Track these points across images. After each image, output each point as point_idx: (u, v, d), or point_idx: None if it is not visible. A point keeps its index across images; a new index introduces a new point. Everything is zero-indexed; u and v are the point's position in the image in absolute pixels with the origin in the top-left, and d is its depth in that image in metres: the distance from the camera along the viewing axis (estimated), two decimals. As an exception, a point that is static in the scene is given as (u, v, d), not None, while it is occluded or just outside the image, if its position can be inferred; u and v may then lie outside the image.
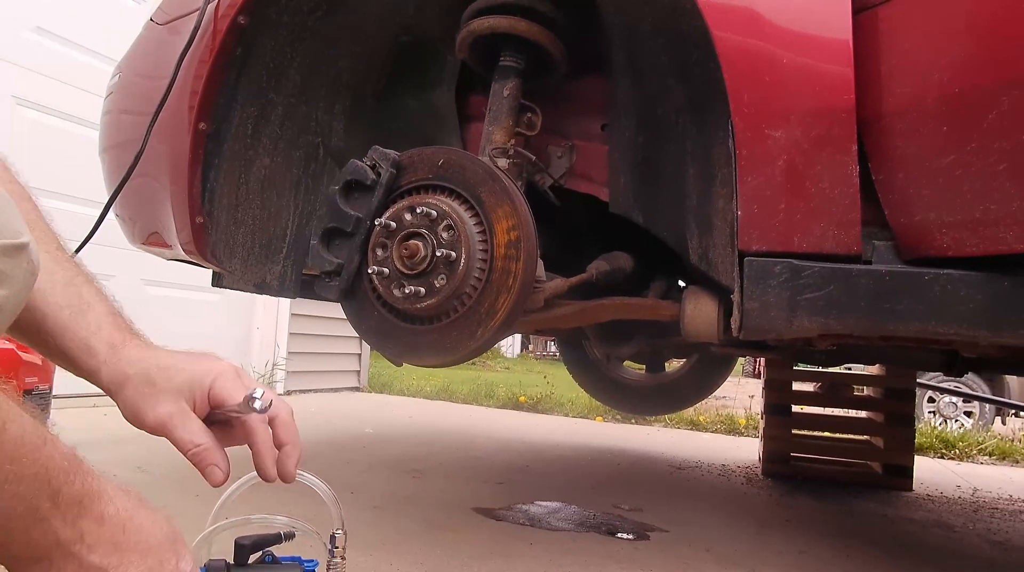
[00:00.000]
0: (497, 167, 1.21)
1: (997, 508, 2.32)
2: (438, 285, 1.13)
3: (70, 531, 0.45)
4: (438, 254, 1.13)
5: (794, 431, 2.61)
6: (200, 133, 1.34)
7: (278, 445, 0.63)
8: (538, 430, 3.48)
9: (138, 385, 0.60)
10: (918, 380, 2.71)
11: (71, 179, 3.03)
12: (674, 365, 2.90)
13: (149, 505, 0.54)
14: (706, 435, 3.82)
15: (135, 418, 0.61)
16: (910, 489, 2.48)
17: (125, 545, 0.48)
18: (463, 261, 1.12)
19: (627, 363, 2.96)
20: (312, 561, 0.66)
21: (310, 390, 4.49)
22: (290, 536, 0.67)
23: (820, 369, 2.79)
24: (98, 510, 0.47)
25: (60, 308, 0.60)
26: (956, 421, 5.77)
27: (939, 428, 4.05)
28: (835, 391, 2.75)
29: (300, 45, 1.43)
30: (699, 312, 1.30)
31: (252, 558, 0.64)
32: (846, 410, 2.87)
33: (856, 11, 1.04)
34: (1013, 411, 5.70)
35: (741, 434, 3.87)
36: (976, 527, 2.01)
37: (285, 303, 4.26)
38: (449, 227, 1.13)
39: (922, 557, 1.66)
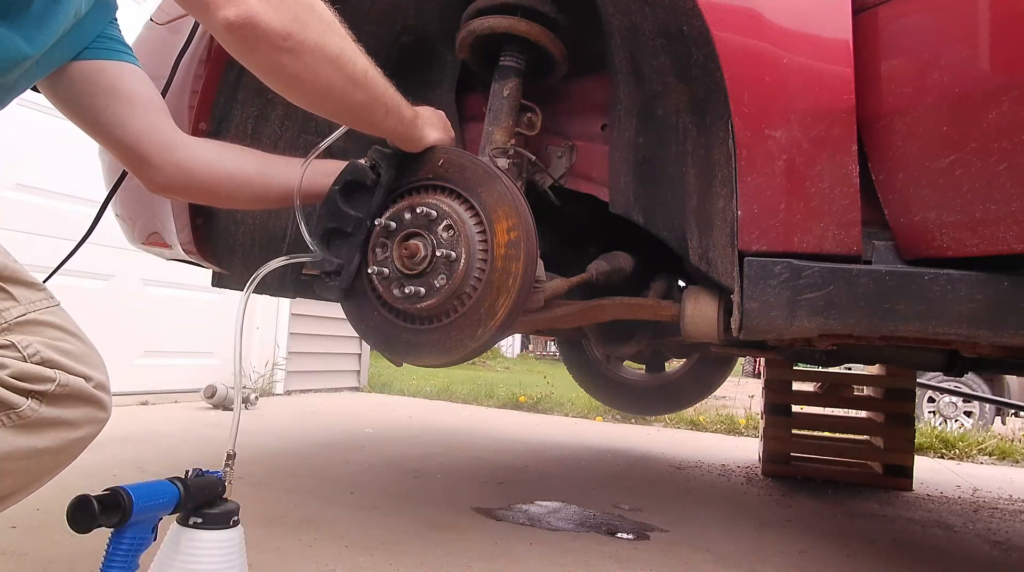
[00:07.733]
0: (497, 167, 1.21)
1: (997, 508, 2.32)
2: (438, 285, 1.13)
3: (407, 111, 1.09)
4: (438, 254, 1.12)
5: (794, 431, 2.61)
6: (200, 132, 1.34)
7: None
8: (538, 430, 3.48)
9: None
10: (918, 380, 2.71)
11: (71, 179, 3.03)
12: (674, 365, 2.90)
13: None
14: (706, 435, 3.82)
15: None
16: (910, 489, 2.48)
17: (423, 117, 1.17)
18: (463, 261, 1.12)
19: (627, 363, 2.96)
20: (218, 471, 0.93)
21: (310, 390, 4.50)
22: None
23: (820, 369, 2.79)
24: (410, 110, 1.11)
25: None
26: (956, 421, 5.78)
27: (939, 428, 4.05)
28: (835, 391, 2.75)
29: (300, 45, 1.43)
30: (699, 312, 1.30)
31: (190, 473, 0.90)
32: (846, 410, 2.87)
33: (856, 11, 1.04)
34: (1013, 411, 5.70)
35: (741, 434, 3.87)
36: (976, 527, 2.01)
37: (285, 303, 4.26)
38: (449, 227, 1.13)
39: (922, 557, 1.66)
